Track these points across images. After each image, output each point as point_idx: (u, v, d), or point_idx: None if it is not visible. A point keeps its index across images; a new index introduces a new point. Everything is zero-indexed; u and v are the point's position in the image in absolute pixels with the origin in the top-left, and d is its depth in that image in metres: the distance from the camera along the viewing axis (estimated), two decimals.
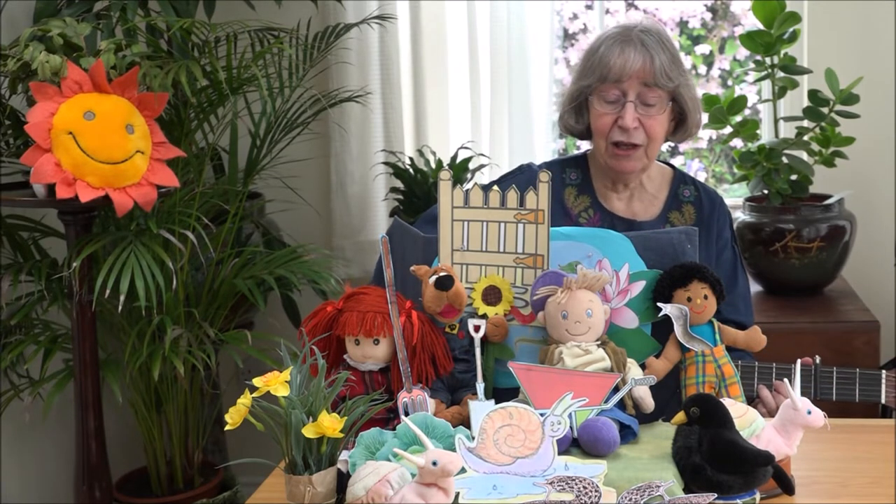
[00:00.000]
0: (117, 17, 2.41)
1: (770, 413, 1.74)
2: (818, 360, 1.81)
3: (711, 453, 1.36)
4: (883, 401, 1.78)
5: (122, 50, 2.22)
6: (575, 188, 2.04)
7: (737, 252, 2.02)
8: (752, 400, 1.78)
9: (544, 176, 1.64)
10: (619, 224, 1.98)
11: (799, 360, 1.80)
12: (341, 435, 1.33)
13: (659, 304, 1.59)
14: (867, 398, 1.79)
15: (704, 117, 2.68)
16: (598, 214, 2.01)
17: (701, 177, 3.48)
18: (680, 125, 2.01)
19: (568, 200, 2.03)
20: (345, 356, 1.59)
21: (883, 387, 1.78)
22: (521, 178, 1.94)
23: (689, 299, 1.59)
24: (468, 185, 2.20)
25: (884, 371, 1.79)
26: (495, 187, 1.67)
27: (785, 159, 2.65)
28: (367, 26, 2.87)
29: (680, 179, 2.06)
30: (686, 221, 2.01)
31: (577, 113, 2.03)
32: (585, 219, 2.01)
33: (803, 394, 1.73)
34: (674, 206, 2.03)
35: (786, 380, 1.50)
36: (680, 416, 1.41)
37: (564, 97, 2.05)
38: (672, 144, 2.92)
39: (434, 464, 1.26)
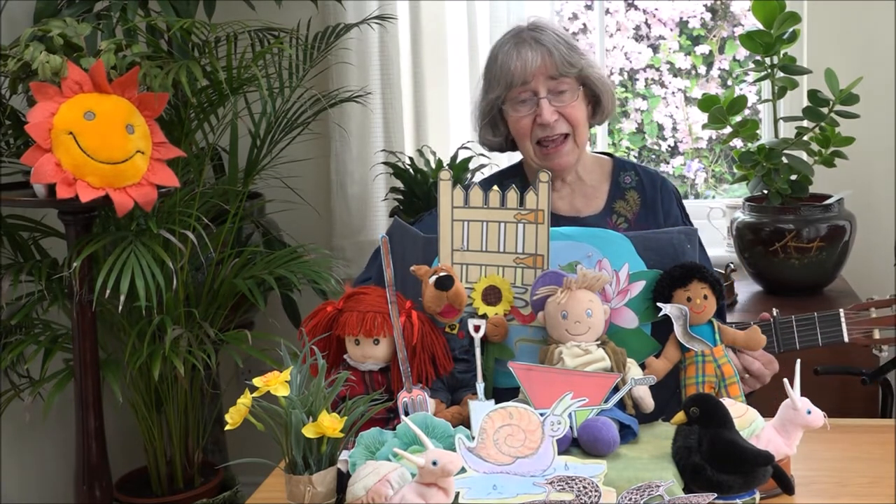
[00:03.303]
0: (117, 18, 2.41)
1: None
2: (776, 312, 1.81)
3: (711, 453, 1.36)
4: (846, 339, 1.78)
5: (122, 50, 2.22)
6: None
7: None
8: None
9: (544, 176, 1.64)
10: (565, 223, 1.96)
11: (760, 318, 1.81)
12: (341, 435, 1.34)
13: (659, 304, 1.59)
14: (830, 340, 1.79)
15: (704, 117, 2.70)
16: None
17: (701, 177, 3.49)
18: (596, 106, 2.01)
19: None
20: (345, 356, 1.59)
21: (843, 326, 1.78)
22: None
23: (688, 299, 1.59)
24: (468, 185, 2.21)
25: (842, 310, 1.79)
26: (495, 187, 1.67)
27: (785, 159, 2.65)
28: (367, 26, 2.87)
29: (619, 167, 2.06)
30: (632, 208, 2.01)
31: (492, 127, 2.03)
32: None
33: (767, 348, 1.74)
34: (617, 195, 2.03)
35: (786, 380, 1.50)
36: (680, 416, 1.41)
37: (476, 115, 2.06)
38: (671, 144, 2.91)
39: (434, 464, 1.26)
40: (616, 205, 2.01)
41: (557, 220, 1.97)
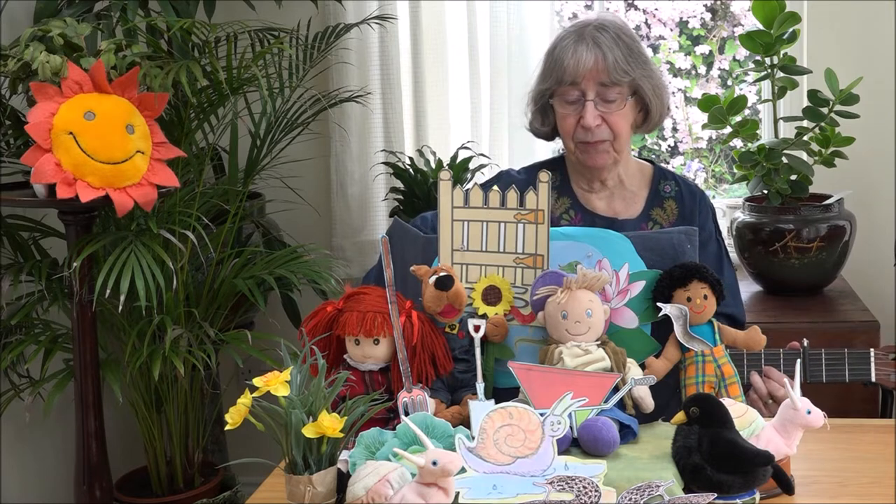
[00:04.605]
0: (117, 18, 2.41)
1: (761, 398, 1.74)
2: (806, 343, 1.81)
3: (711, 453, 1.36)
4: (873, 379, 1.78)
5: (122, 50, 2.22)
6: (555, 190, 2.03)
7: (721, 244, 2.02)
8: (744, 387, 1.77)
9: (544, 176, 1.64)
10: (601, 223, 1.97)
11: (788, 346, 1.81)
12: (341, 435, 1.34)
13: (659, 304, 1.59)
14: (857, 378, 1.79)
15: (704, 117, 2.70)
16: (579, 215, 2.01)
17: (701, 177, 3.49)
18: (646, 115, 2.00)
19: None
20: (345, 356, 1.59)
21: (872, 365, 1.78)
22: (500, 185, 1.94)
23: (688, 299, 1.59)
24: (468, 185, 2.21)
25: (872, 350, 1.79)
26: (495, 187, 1.67)
27: (785, 159, 2.65)
28: (367, 26, 2.87)
29: (660, 175, 2.06)
30: (668, 217, 2.01)
31: (542, 115, 2.04)
32: (567, 220, 2.01)
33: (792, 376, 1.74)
34: (655, 202, 2.03)
35: (786, 378, 1.50)
36: (680, 416, 1.41)
37: (528, 99, 2.05)
38: (671, 145, 2.91)
39: (434, 464, 1.26)
40: (653, 212, 2.02)
41: (594, 219, 1.98)
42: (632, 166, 2.05)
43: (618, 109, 1.93)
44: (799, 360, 1.63)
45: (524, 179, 1.97)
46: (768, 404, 1.73)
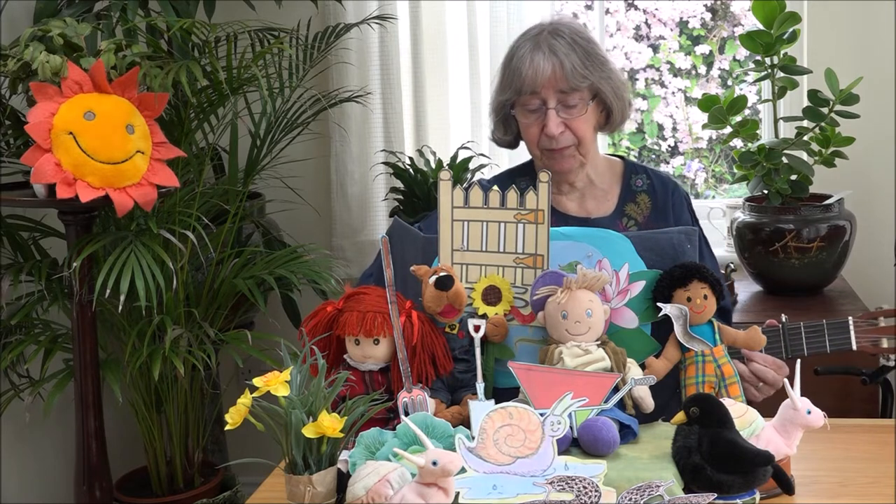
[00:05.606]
0: (117, 18, 2.41)
1: (751, 383, 1.73)
2: (784, 318, 1.81)
3: (711, 453, 1.36)
4: (854, 347, 1.78)
5: (122, 50, 2.22)
6: None
7: (699, 233, 2.01)
8: None
9: (544, 176, 1.64)
10: (574, 224, 1.96)
11: (766, 323, 1.80)
12: (341, 435, 1.34)
13: (659, 304, 1.59)
14: (838, 347, 1.78)
15: (704, 117, 2.70)
16: (552, 218, 2.01)
17: (701, 177, 3.49)
18: (609, 116, 2.00)
19: None
20: (345, 356, 1.59)
21: (852, 334, 1.78)
22: None
23: (688, 299, 1.59)
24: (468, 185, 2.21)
25: (850, 318, 1.79)
26: (495, 187, 1.67)
27: (785, 159, 2.65)
28: (367, 26, 2.87)
29: (631, 170, 2.06)
30: (642, 211, 2.01)
31: (503, 125, 2.04)
32: None
33: (774, 354, 1.74)
34: (628, 198, 2.03)
35: (786, 380, 1.50)
36: (680, 416, 1.41)
37: (490, 109, 2.06)
38: (671, 145, 2.91)
39: (434, 464, 1.26)
40: (627, 208, 2.02)
41: (567, 220, 1.98)
42: (601, 164, 2.05)
43: (580, 114, 1.93)
44: (799, 360, 1.62)
45: None
46: (760, 388, 1.72)
